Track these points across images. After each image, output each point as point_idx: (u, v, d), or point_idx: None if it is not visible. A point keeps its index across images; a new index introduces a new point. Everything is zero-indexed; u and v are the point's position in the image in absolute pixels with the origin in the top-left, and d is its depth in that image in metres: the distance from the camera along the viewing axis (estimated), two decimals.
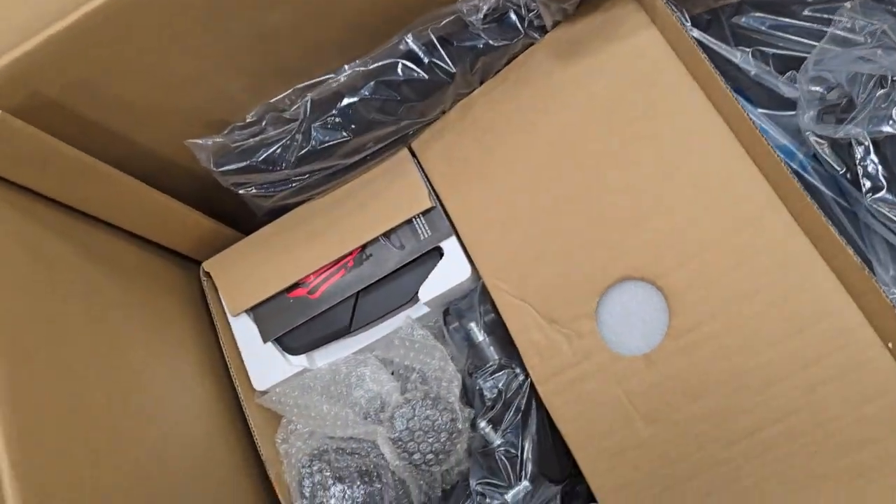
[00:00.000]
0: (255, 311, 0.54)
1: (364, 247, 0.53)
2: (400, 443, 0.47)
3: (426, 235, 0.52)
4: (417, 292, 0.52)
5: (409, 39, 0.49)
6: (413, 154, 0.54)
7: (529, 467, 0.47)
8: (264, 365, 0.53)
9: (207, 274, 0.56)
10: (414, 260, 0.53)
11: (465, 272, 0.51)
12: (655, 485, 0.44)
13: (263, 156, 0.49)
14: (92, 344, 0.44)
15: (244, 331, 0.54)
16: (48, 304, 0.42)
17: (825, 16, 0.51)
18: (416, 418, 0.47)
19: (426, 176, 0.53)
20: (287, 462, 0.51)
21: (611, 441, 0.45)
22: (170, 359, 0.51)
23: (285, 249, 0.55)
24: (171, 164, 0.53)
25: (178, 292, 0.56)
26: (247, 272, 0.55)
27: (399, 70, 0.49)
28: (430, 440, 0.47)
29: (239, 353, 0.54)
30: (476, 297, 0.52)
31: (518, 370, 0.49)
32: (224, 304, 0.55)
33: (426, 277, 0.52)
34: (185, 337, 0.54)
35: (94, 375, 0.43)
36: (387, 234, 0.53)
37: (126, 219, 0.51)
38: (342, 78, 0.50)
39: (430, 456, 0.47)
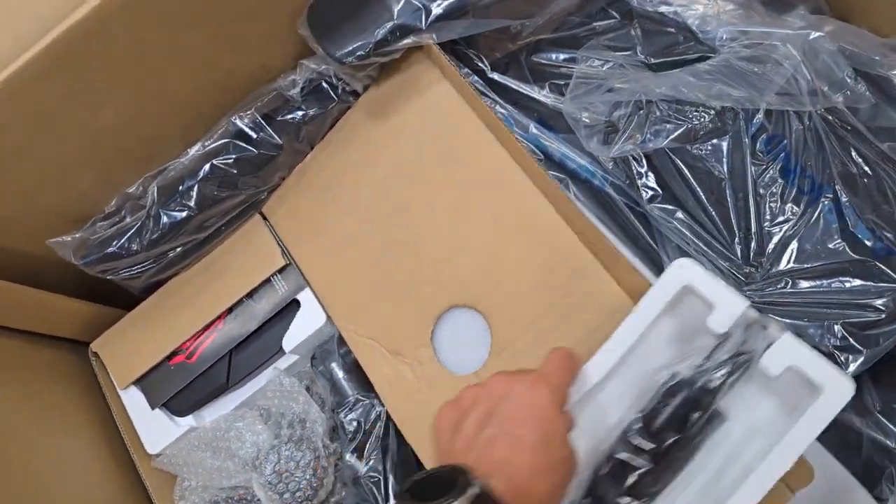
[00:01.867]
0: (141, 382, 0.59)
1: (231, 309, 0.58)
2: (271, 486, 0.51)
3: (283, 290, 0.57)
4: (282, 343, 0.57)
5: (237, 120, 0.55)
6: (265, 218, 0.59)
7: (394, 487, 0.53)
8: (155, 430, 0.58)
9: (95, 354, 0.61)
10: (277, 314, 0.58)
11: (320, 319, 0.56)
12: None
13: (119, 244, 0.55)
14: None
15: (133, 401, 0.59)
16: None
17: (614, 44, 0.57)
18: (281, 461, 0.52)
19: (277, 236, 0.58)
20: None
21: None
22: (63, 439, 0.56)
23: (161, 322, 0.59)
24: (45, 261, 0.58)
25: (70, 374, 0.60)
26: (130, 347, 0.60)
27: (231, 149, 0.55)
28: (298, 478, 0.52)
29: (132, 423, 0.59)
30: (335, 341, 0.57)
31: (375, 402, 0.54)
32: (112, 378, 0.60)
33: (287, 329, 0.57)
34: (79, 416, 0.58)
35: None
36: (250, 294, 0.58)
37: (6, 318, 0.56)
38: (185, 161, 0.56)
39: (298, 493, 0.52)
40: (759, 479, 0.39)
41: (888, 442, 0.48)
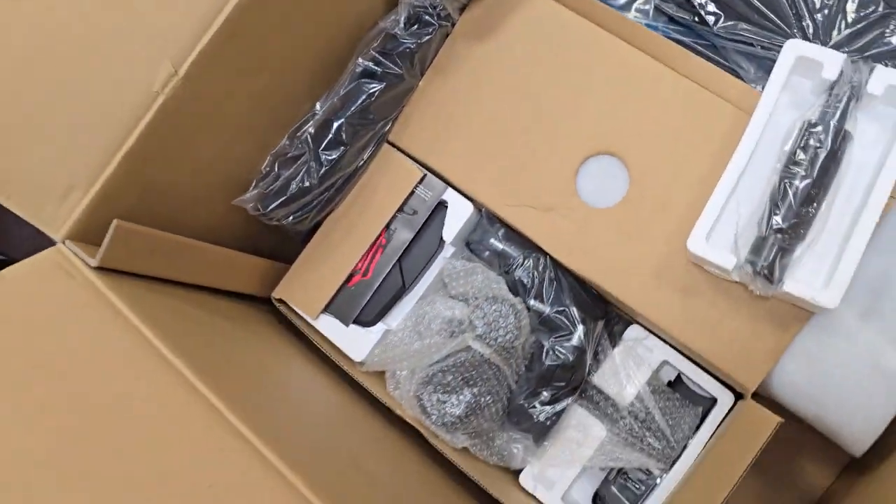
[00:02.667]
0: (328, 308, 0.69)
1: (388, 225, 0.68)
2: (484, 337, 0.62)
3: (429, 196, 0.68)
4: (442, 238, 0.67)
5: (360, 62, 0.65)
6: (393, 145, 0.69)
7: (577, 314, 0.63)
8: (355, 342, 0.68)
9: (279, 300, 0.70)
10: (429, 218, 0.68)
11: (468, 209, 0.67)
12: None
13: (294, 187, 0.64)
14: (245, 368, 0.58)
15: (328, 326, 0.68)
16: (213, 348, 0.55)
17: None
18: (487, 315, 0.62)
19: (409, 155, 0.69)
20: (404, 400, 0.66)
21: (627, 264, 0.61)
22: (290, 370, 0.65)
23: (330, 255, 0.69)
24: (226, 225, 0.67)
25: (268, 323, 0.69)
26: (308, 285, 0.69)
27: (363, 88, 0.65)
28: (503, 325, 0.62)
29: (332, 343, 0.68)
30: (485, 222, 0.67)
31: (539, 255, 0.65)
32: (302, 314, 0.69)
33: (443, 225, 0.67)
34: (291, 351, 0.68)
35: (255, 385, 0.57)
36: (400, 209, 0.68)
37: (213, 277, 0.64)
38: (321, 110, 0.65)
39: (509, 336, 0.62)
40: (875, 200, 0.52)
41: None
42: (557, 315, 0.64)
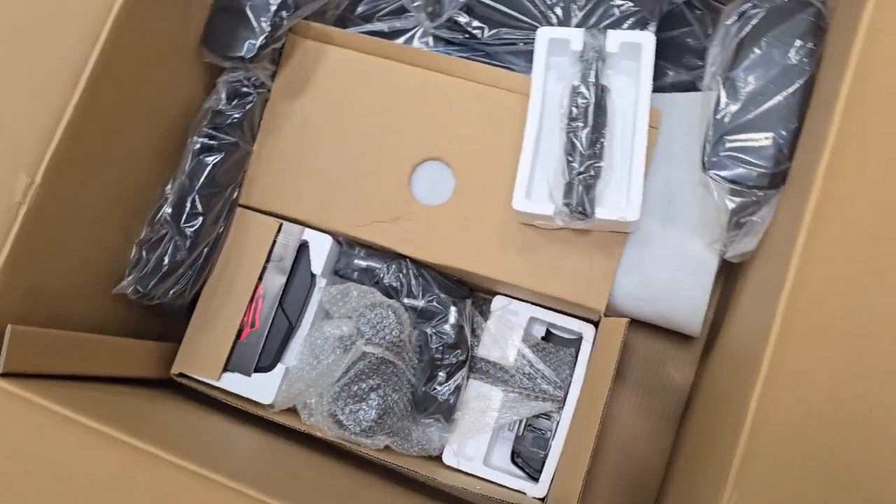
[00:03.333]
0: (228, 366, 0.74)
1: (261, 277, 0.75)
2: (374, 339, 0.69)
3: (290, 241, 0.75)
4: (312, 273, 0.75)
5: (196, 139, 0.72)
6: (246, 207, 0.77)
7: (446, 299, 0.72)
8: (261, 388, 0.73)
9: (180, 375, 0.74)
10: (295, 259, 0.75)
11: (327, 241, 0.75)
12: None
13: (167, 263, 0.70)
14: (165, 424, 0.62)
15: (232, 381, 0.73)
16: (132, 413, 0.59)
17: None
18: (371, 320, 0.69)
19: (262, 211, 0.76)
20: (321, 423, 0.71)
21: (472, 244, 0.71)
22: (207, 426, 0.69)
23: (216, 318, 0.74)
24: (113, 315, 0.71)
25: (176, 400, 0.73)
26: (203, 351, 0.74)
27: (204, 161, 0.72)
28: (388, 325, 0.69)
29: (240, 396, 0.73)
30: (345, 248, 0.75)
31: (399, 260, 0.74)
32: (205, 379, 0.73)
33: (310, 263, 0.75)
34: (202, 415, 0.72)
35: None
36: (268, 259, 0.75)
37: (112, 366, 0.68)
38: (172, 191, 0.72)
39: (394, 331, 0.69)
40: (640, 130, 0.65)
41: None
42: (430, 304, 0.72)
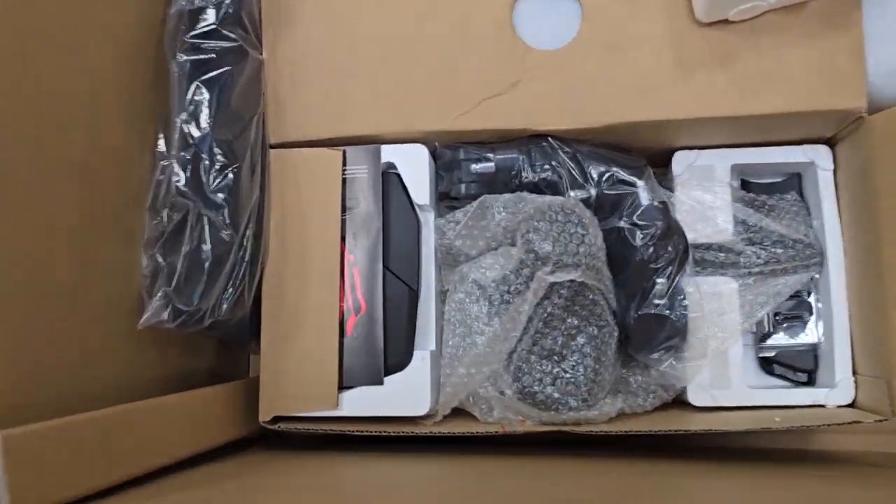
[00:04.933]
0: (346, 383, 0.48)
1: (343, 237, 0.49)
2: (563, 260, 0.44)
3: (365, 172, 0.50)
4: (414, 208, 0.49)
5: (180, 59, 0.45)
6: (279, 146, 0.50)
7: (626, 174, 0.48)
8: (405, 396, 0.48)
9: (274, 420, 0.48)
10: (384, 195, 0.50)
11: (422, 153, 0.50)
12: None
13: (206, 255, 0.43)
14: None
15: (356, 401, 0.48)
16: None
17: None
18: (549, 229, 0.45)
19: (307, 144, 0.50)
20: (517, 412, 0.47)
21: (636, 82, 0.47)
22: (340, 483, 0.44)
23: (300, 318, 0.48)
24: (143, 369, 0.44)
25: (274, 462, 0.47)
26: (299, 373, 0.48)
27: (206, 87, 0.45)
28: (574, 231, 0.45)
29: (378, 418, 0.48)
30: (447, 158, 0.50)
31: (533, 144, 0.49)
32: (319, 412, 0.47)
33: (407, 193, 0.50)
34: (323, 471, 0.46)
35: None
36: (344, 209, 0.49)
37: (164, 445, 0.42)
38: (175, 150, 0.45)
39: (587, 240, 0.45)
40: None
41: None
42: (610, 188, 0.48)
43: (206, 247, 0.43)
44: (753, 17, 0.46)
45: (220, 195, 0.44)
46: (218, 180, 0.44)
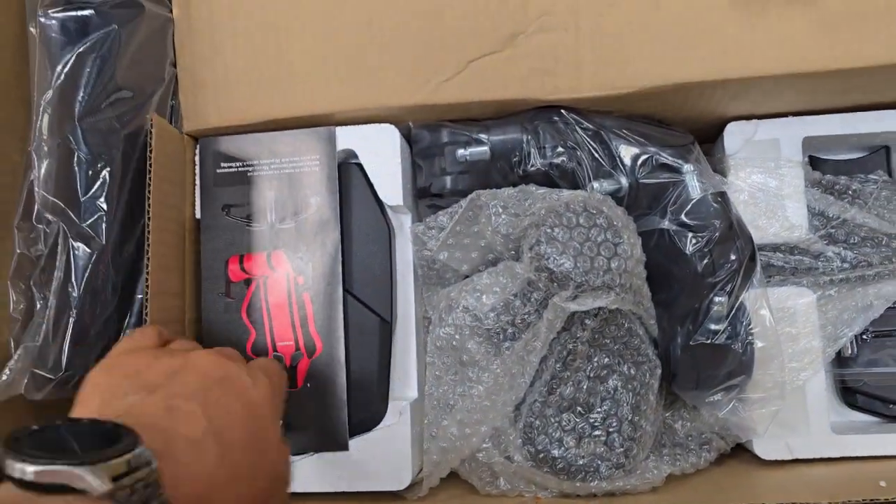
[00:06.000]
0: (294, 448, 0.36)
1: (271, 256, 0.37)
2: (586, 280, 0.32)
3: (321, 164, 0.37)
4: (383, 210, 0.37)
5: (43, 21, 0.32)
6: (193, 137, 0.38)
7: (668, 155, 0.36)
8: (375, 464, 0.35)
9: None
10: (341, 197, 0.37)
11: (392, 134, 0.37)
12: None
13: (87, 298, 0.30)
14: None
15: (315, 473, 0.36)
16: None
17: None
18: (565, 243, 0.32)
19: (243, 130, 0.37)
20: (530, 479, 0.35)
21: (678, 28, 0.34)
22: None
23: None
24: None
25: None
26: None
27: (78, 58, 0.32)
28: (602, 239, 0.32)
29: (344, 494, 0.35)
30: (425, 141, 0.37)
31: (541, 119, 0.36)
32: None
33: (373, 190, 0.37)
34: None
35: None
36: (280, 219, 0.37)
37: None
38: (36, 152, 0.32)
39: (621, 252, 0.32)
40: None
41: None
42: (647, 176, 0.35)
43: (77, 280, 0.31)
44: None
45: (99, 204, 0.31)
46: (95, 185, 0.31)
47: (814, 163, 0.42)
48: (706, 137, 0.41)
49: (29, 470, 0.18)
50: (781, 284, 0.39)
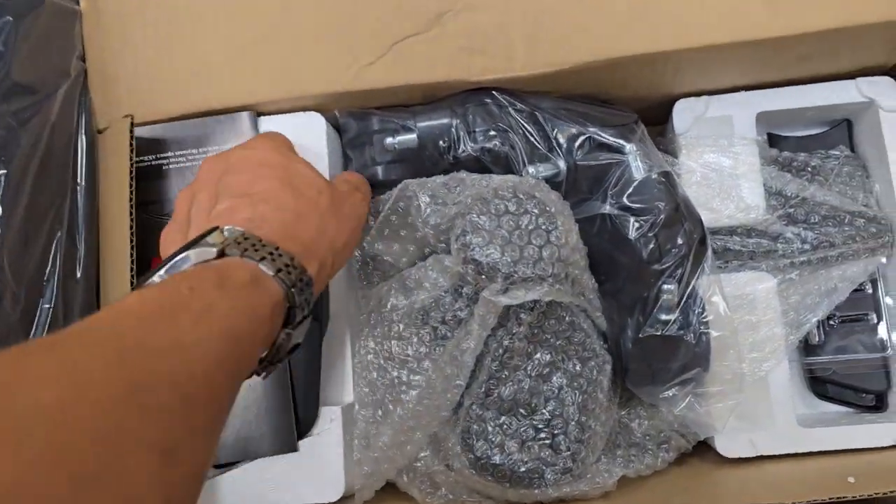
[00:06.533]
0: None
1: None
2: (518, 272, 0.30)
3: None
4: None
5: None
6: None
7: (608, 135, 0.33)
8: (303, 473, 0.33)
9: None
10: None
11: (318, 124, 0.35)
12: None
13: None
14: None
15: (238, 487, 0.33)
16: None
17: None
18: (495, 227, 0.30)
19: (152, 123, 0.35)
20: (473, 487, 0.32)
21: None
22: None
23: None
24: None
25: None
26: None
27: None
28: (535, 226, 0.30)
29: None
30: (352, 131, 0.35)
31: (472, 102, 0.34)
32: None
33: None
34: None
35: None
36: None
37: None
38: None
39: (554, 241, 0.30)
40: None
41: None
42: (586, 157, 0.33)
43: None
44: None
45: None
46: None
47: (773, 140, 0.40)
48: (658, 118, 0.39)
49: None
50: (739, 269, 0.36)
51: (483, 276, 0.30)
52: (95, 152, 0.34)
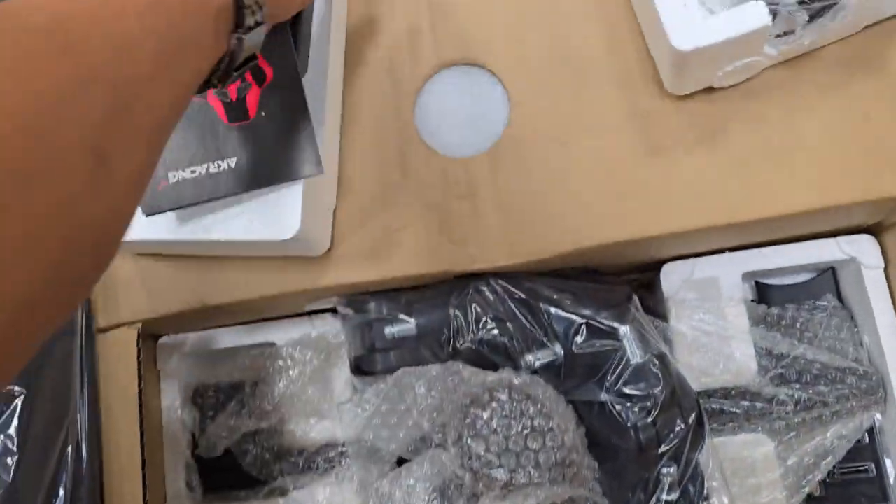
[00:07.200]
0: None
1: None
2: (518, 474, 0.30)
3: None
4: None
5: None
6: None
7: (604, 319, 0.34)
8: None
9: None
10: None
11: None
12: None
13: None
14: None
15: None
16: None
17: None
18: (489, 429, 0.30)
19: None
20: None
21: (607, 189, 0.33)
22: None
23: None
24: None
25: None
26: None
27: None
28: (532, 425, 0.30)
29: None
30: (350, 326, 0.36)
31: (471, 288, 0.34)
32: None
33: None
34: None
35: None
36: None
37: None
38: None
39: (555, 441, 0.30)
40: None
41: None
42: (582, 344, 0.33)
43: None
44: (749, 77, 0.33)
45: None
46: None
47: (760, 290, 0.40)
48: (649, 276, 0.40)
49: None
50: (736, 432, 0.37)
51: (480, 484, 0.30)
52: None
